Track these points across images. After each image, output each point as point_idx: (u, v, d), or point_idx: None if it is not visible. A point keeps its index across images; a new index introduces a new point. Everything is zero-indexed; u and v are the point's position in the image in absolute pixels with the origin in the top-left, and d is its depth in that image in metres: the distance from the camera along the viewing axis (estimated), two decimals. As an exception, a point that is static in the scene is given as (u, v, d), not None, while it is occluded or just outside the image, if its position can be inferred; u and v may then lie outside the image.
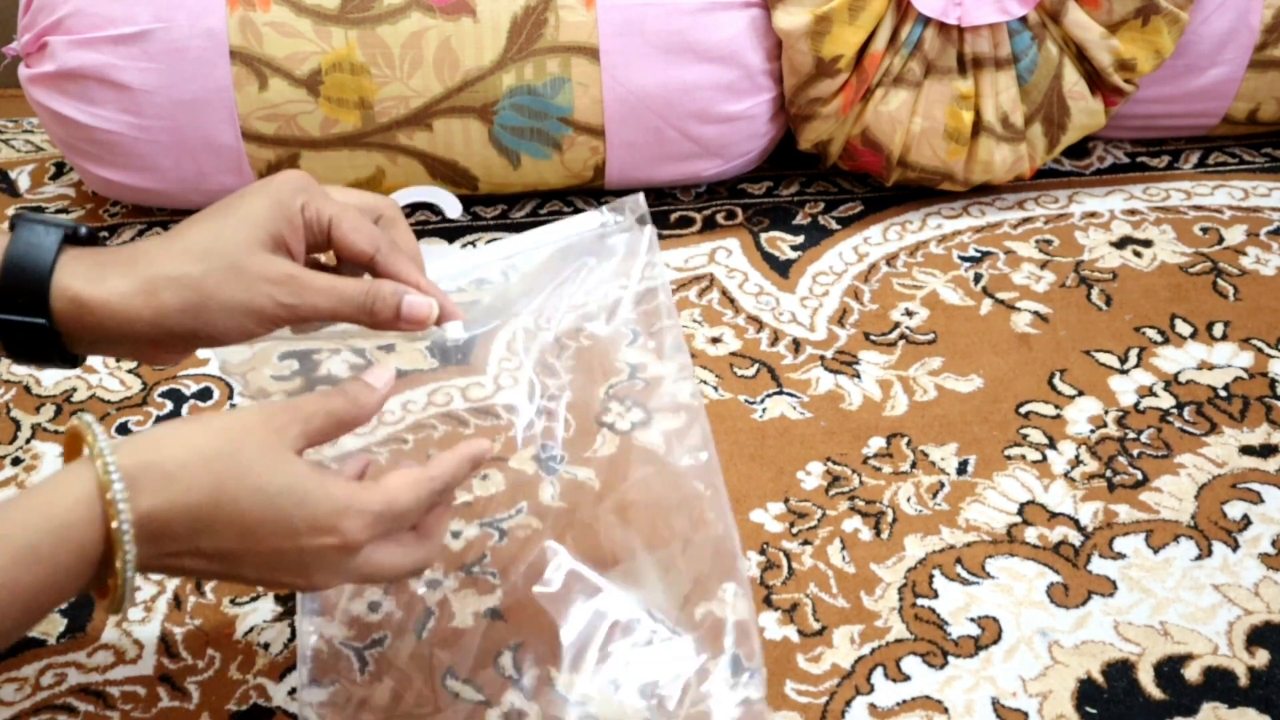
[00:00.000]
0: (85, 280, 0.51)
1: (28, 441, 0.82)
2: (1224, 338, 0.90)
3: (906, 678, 0.65)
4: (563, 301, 0.61)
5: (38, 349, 0.52)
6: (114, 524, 0.44)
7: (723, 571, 0.63)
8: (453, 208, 0.64)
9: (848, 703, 0.63)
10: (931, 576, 0.71)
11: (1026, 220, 1.04)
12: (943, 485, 0.77)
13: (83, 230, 0.54)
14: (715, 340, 0.90)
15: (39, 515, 0.43)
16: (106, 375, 0.87)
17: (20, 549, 0.42)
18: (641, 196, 0.63)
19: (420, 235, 1.03)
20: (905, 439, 0.81)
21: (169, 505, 0.45)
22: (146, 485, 0.44)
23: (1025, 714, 0.63)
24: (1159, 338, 0.90)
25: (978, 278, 0.97)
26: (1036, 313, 0.93)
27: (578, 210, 1.07)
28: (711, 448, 0.63)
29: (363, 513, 0.49)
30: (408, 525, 0.52)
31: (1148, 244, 1.01)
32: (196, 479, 0.45)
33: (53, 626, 0.68)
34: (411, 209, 1.07)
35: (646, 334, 0.63)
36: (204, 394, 0.86)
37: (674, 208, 1.07)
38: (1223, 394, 0.84)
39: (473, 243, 1.03)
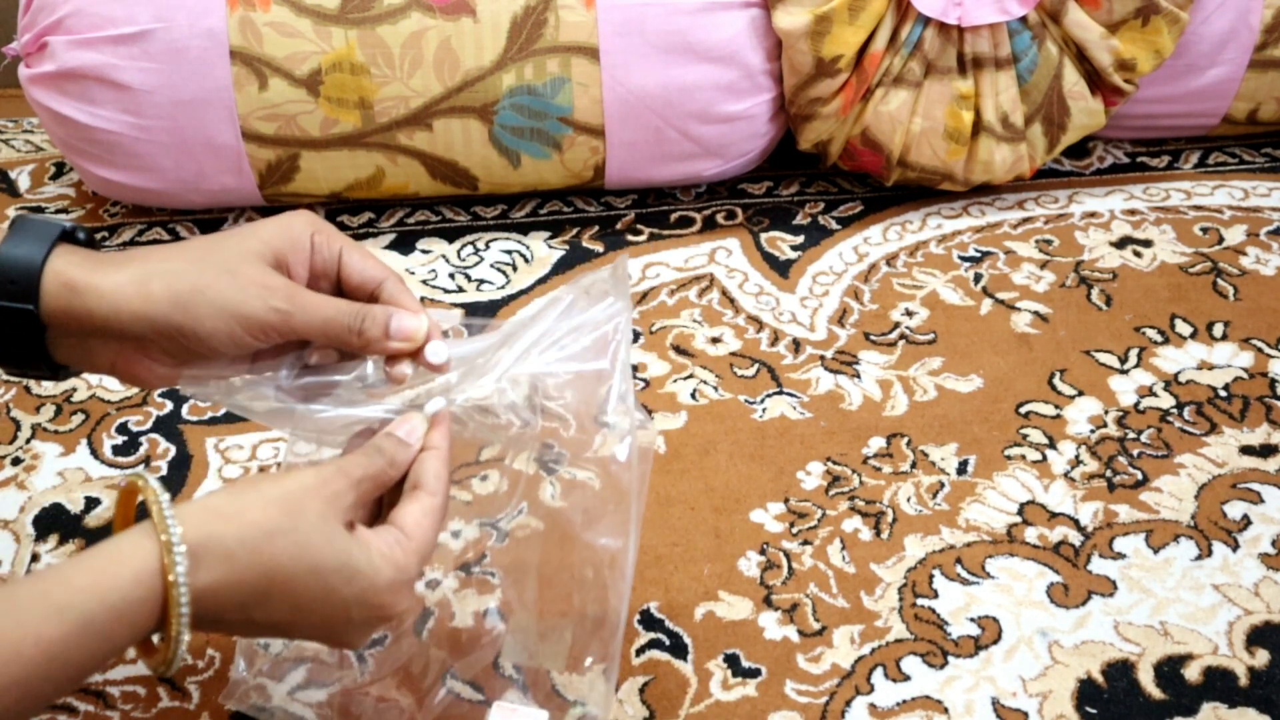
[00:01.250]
0: (79, 267, 0.51)
1: (28, 441, 0.82)
2: (1224, 338, 0.90)
3: (906, 678, 0.65)
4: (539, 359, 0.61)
5: (22, 345, 0.52)
6: (173, 609, 0.44)
7: (598, 646, 0.62)
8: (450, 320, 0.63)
9: (848, 703, 0.63)
10: (931, 576, 0.71)
11: (1026, 220, 1.04)
12: (943, 485, 0.77)
13: (81, 234, 0.54)
14: (715, 340, 0.90)
15: (98, 589, 0.43)
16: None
17: (76, 623, 0.42)
18: (625, 265, 0.62)
19: (419, 235, 1.03)
20: (905, 439, 0.81)
21: (226, 583, 0.46)
22: (206, 562, 0.45)
23: (1025, 714, 0.63)
24: (1159, 338, 0.90)
25: (978, 278, 0.97)
26: (1036, 313, 0.93)
27: (578, 210, 1.07)
28: (633, 534, 0.60)
29: (406, 582, 0.50)
30: None
31: (1148, 244, 1.01)
32: (255, 557, 0.46)
33: (53, 626, 0.68)
34: (411, 208, 1.07)
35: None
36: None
37: (674, 208, 1.07)
38: (1223, 394, 0.84)
39: (472, 243, 1.03)
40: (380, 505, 0.55)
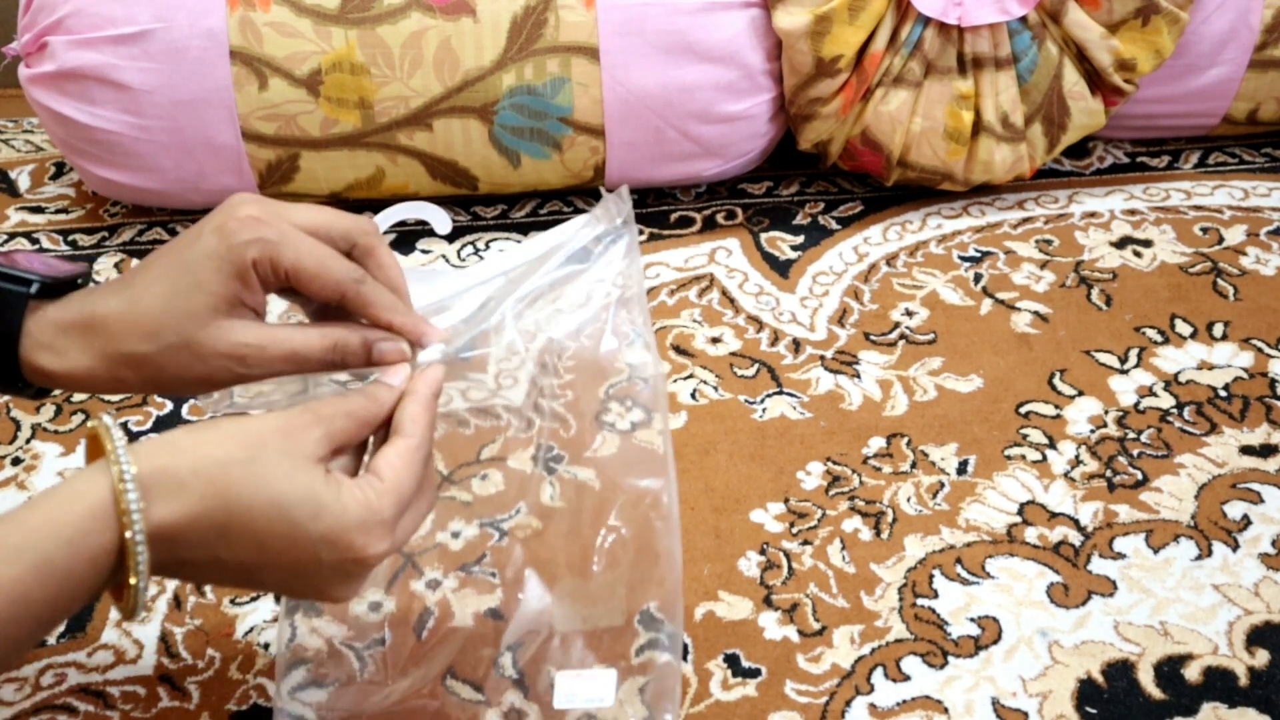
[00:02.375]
0: (49, 354, 0.52)
1: (28, 441, 0.82)
2: (1224, 338, 0.90)
3: (906, 678, 0.65)
4: (548, 308, 0.61)
5: (11, 389, 0.54)
6: (127, 534, 0.43)
7: (657, 590, 0.62)
8: (442, 224, 0.63)
9: (848, 703, 0.63)
10: (931, 576, 0.71)
11: (1026, 220, 1.04)
12: (943, 485, 0.77)
13: (46, 281, 0.53)
14: (715, 340, 0.90)
15: (52, 526, 0.43)
16: (106, 375, 0.87)
17: (34, 562, 0.42)
18: (626, 192, 0.62)
19: (419, 235, 1.03)
20: (905, 439, 0.81)
21: (182, 513, 0.45)
22: (160, 493, 0.44)
23: (1025, 714, 0.63)
24: (1159, 338, 0.90)
25: (978, 278, 0.97)
26: (1036, 313, 0.93)
27: (578, 210, 1.07)
28: (670, 472, 0.60)
29: (379, 523, 0.48)
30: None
31: (1148, 244, 1.01)
32: (210, 487, 0.45)
33: (53, 626, 0.68)
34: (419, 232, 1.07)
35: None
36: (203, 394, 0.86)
37: (674, 208, 1.07)
38: (1223, 394, 0.84)
39: (472, 243, 1.03)
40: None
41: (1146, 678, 0.65)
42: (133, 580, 0.44)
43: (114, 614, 0.69)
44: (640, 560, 0.61)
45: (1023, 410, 0.83)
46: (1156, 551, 0.72)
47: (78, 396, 0.85)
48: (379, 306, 0.54)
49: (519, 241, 1.03)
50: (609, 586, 0.62)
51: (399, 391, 0.53)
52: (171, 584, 0.71)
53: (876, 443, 0.81)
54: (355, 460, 0.52)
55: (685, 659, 0.66)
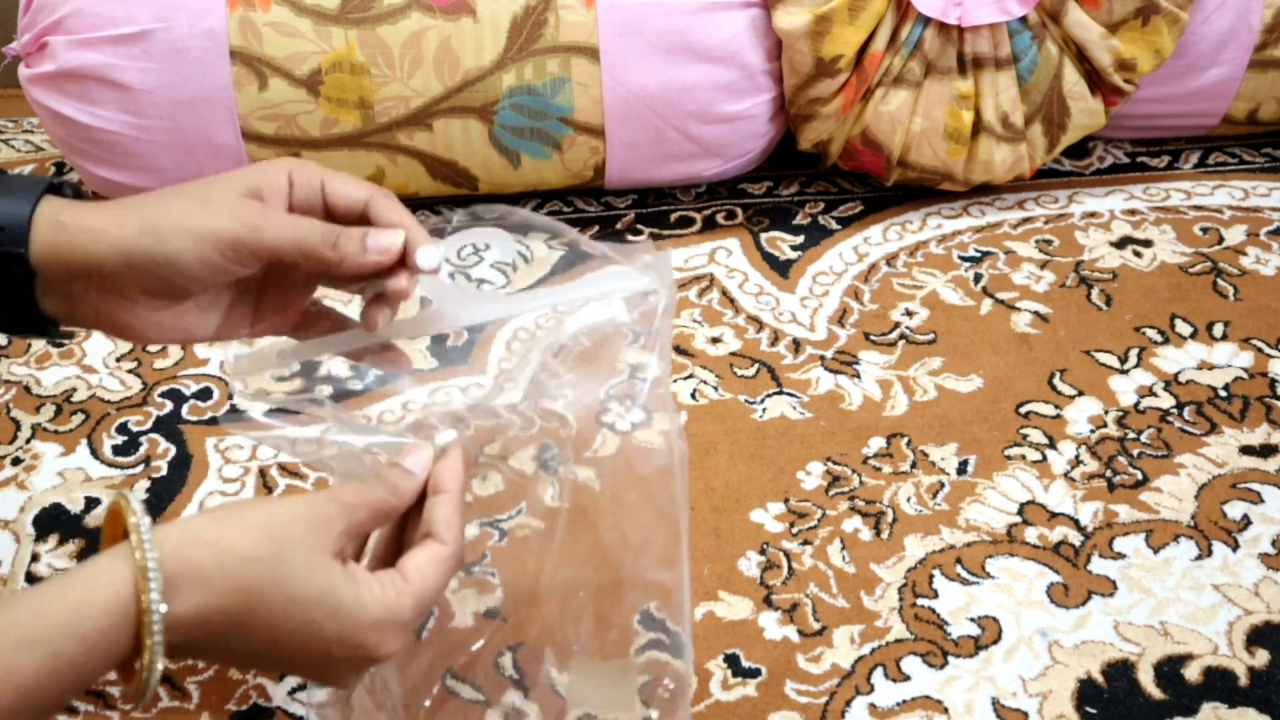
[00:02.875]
0: (66, 209, 0.52)
1: (28, 441, 0.82)
2: (1224, 338, 0.90)
3: (906, 678, 0.65)
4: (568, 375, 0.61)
5: (12, 296, 0.52)
6: (146, 637, 0.43)
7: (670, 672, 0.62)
8: (505, 249, 0.61)
9: (848, 703, 0.63)
10: (931, 576, 0.71)
11: (1026, 220, 1.04)
12: (943, 485, 0.77)
13: (67, 189, 0.54)
14: (715, 340, 0.90)
15: (72, 622, 0.42)
16: (106, 375, 0.87)
17: (49, 654, 0.41)
18: (669, 256, 0.61)
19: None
20: (905, 439, 0.81)
21: (203, 609, 0.44)
22: (183, 587, 0.44)
23: (1025, 714, 0.63)
24: (1159, 338, 0.90)
25: (978, 278, 0.97)
26: (1036, 313, 0.93)
27: (578, 210, 1.07)
28: (684, 567, 0.60)
29: (396, 624, 0.48)
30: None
31: (1148, 244, 1.01)
32: (233, 584, 0.45)
33: (53, 626, 0.68)
34: (411, 208, 1.07)
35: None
36: (204, 394, 0.86)
37: (674, 208, 1.07)
38: (1223, 394, 0.84)
39: (472, 243, 1.03)
40: (398, 550, 0.53)
41: (1146, 678, 0.65)
42: (144, 675, 0.44)
43: (114, 614, 0.69)
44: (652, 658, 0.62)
45: (1023, 410, 0.83)
46: (1156, 551, 0.72)
47: (78, 396, 0.85)
48: (399, 220, 0.55)
49: (520, 241, 1.03)
50: (619, 670, 0.62)
51: (419, 479, 0.53)
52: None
53: (876, 443, 0.81)
54: (361, 545, 0.53)
55: (685, 659, 0.66)
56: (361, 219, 0.55)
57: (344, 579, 0.47)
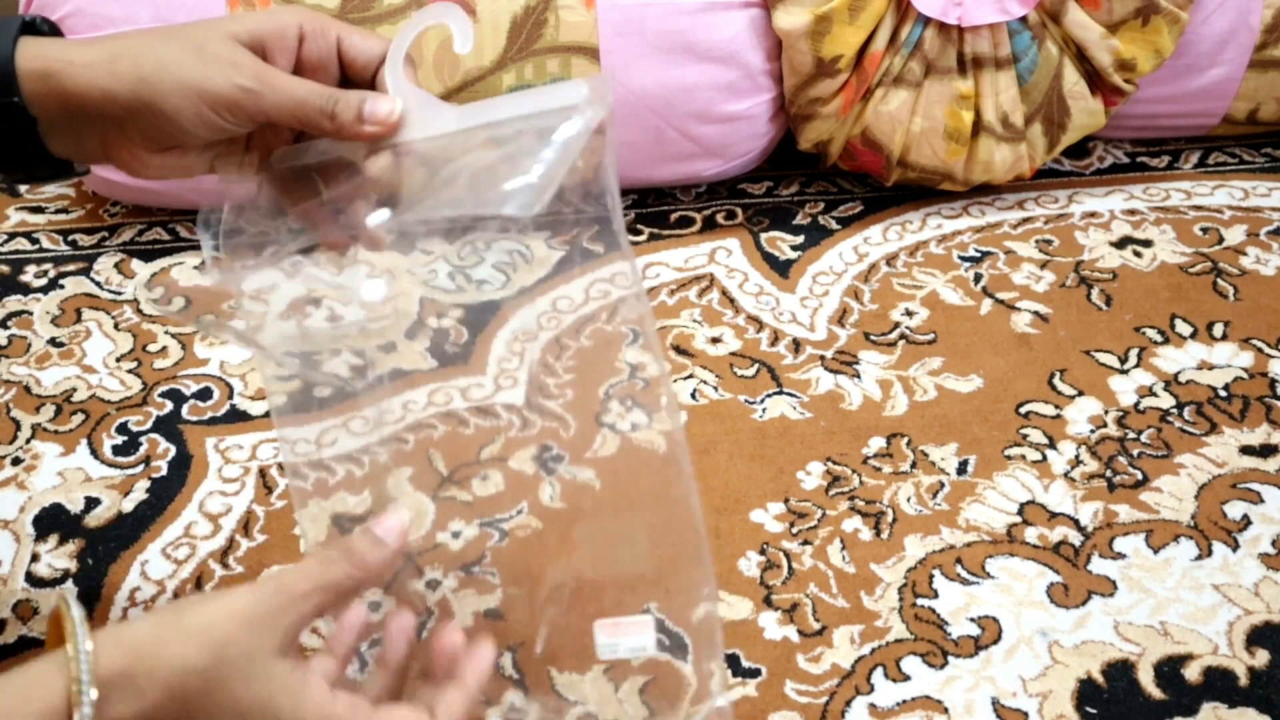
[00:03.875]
0: (50, 49, 0.50)
1: (28, 441, 0.82)
2: (1224, 338, 0.90)
3: (906, 678, 0.65)
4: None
5: (17, 143, 0.51)
6: None
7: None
8: (465, 37, 0.57)
9: (848, 703, 0.63)
10: (931, 576, 0.71)
11: (1026, 220, 1.04)
12: (943, 485, 0.77)
13: (41, 22, 0.52)
14: (715, 340, 0.90)
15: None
16: (106, 375, 0.87)
17: None
18: (608, 82, 0.56)
19: (419, 235, 1.03)
20: (905, 439, 0.81)
21: (135, 713, 0.43)
22: (116, 699, 0.43)
23: (1025, 714, 0.63)
24: (1159, 338, 0.90)
25: (978, 278, 0.97)
26: (1036, 313, 0.93)
27: (578, 210, 1.07)
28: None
29: None
30: None
31: (1148, 244, 1.01)
32: (167, 695, 0.43)
33: (53, 626, 0.68)
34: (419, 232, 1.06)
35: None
36: (204, 394, 0.86)
37: (674, 208, 1.07)
38: (1223, 394, 0.84)
39: (472, 243, 1.03)
40: (403, 678, 0.51)
41: (1146, 678, 0.65)
42: None
43: (114, 614, 0.69)
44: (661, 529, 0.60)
45: (1023, 410, 0.83)
46: (1156, 551, 0.72)
47: (78, 396, 0.85)
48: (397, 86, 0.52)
49: (520, 241, 1.03)
50: (629, 530, 0.60)
51: (391, 549, 0.49)
52: (172, 584, 0.71)
53: (876, 443, 0.81)
54: (395, 682, 0.51)
55: (685, 659, 0.66)
56: (376, 80, 0.53)
57: (284, 687, 0.45)
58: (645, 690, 0.64)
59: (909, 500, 0.76)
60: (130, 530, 0.75)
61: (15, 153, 0.51)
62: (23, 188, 1.11)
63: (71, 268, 0.99)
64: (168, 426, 0.83)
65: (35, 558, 0.73)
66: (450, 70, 0.95)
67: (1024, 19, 0.97)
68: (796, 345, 0.90)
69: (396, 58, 0.53)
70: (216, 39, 0.50)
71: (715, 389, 0.86)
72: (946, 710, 0.63)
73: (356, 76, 0.54)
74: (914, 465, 0.79)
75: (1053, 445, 0.80)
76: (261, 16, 0.52)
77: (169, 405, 0.85)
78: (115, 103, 0.50)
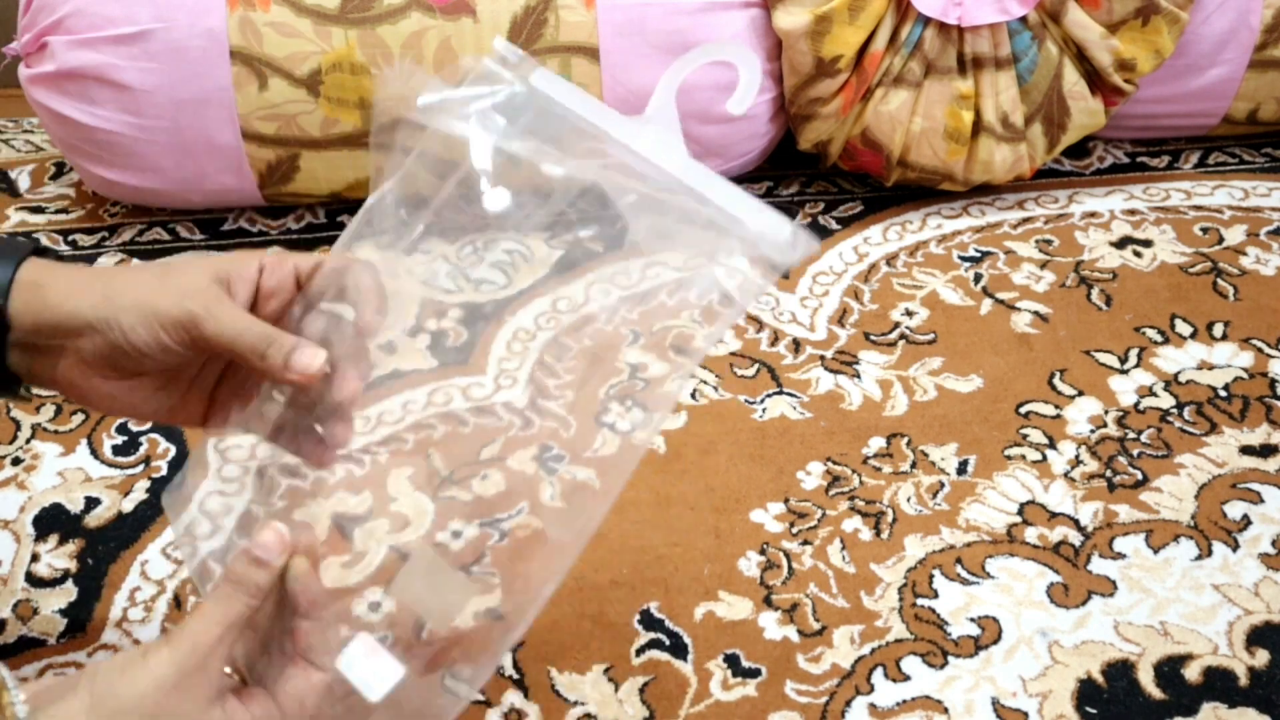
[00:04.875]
0: (48, 270, 0.53)
1: (28, 441, 0.82)
2: (1224, 338, 0.90)
3: (906, 678, 0.65)
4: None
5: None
6: None
7: None
8: (747, 92, 0.56)
9: (848, 703, 0.63)
10: (931, 576, 0.71)
11: (1026, 220, 1.04)
12: (943, 485, 0.77)
13: (51, 254, 0.55)
14: (715, 340, 0.90)
15: None
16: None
17: None
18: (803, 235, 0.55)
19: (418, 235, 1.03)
20: (905, 439, 0.81)
21: None
22: None
23: (1025, 714, 0.63)
24: (1159, 338, 0.90)
25: (978, 278, 0.97)
26: (1036, 313, 0.93)
27: (578, 209, 1.07)
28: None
29: None
30: None
31: (1148, 244, 1.01)
32: None
33: (53, 626, 0.68)
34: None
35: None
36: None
37: (674, 208, 1.06)
38: (1223, 394, 0.84)
39: (472, 243, 1.03)
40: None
41: (1146, 678, 0.65)
42: None
43: (114, 614, 0.69)
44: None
45: (1023, 410, 0.83)
46: (1156, 551, 0.72)
47: (78, 396, 0.85)
48: (361, 311, 0.55)
49: (520, 241, 1.03)
50: (462, 585, 0.60)
51: (276, 566, 0.50)
52: (171, 584, 0.71)
53: (876, 443, 0.81)
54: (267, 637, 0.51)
55: (685, 659, 0.66)
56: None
57: None
58: (645, 690, 0.64)
59: (909, 500, 0.76)
60: (130, 530, 0.75)
61: None
62: (23, 187, 1.12)
63: (71, 268, 0.99)
64: (168, 426, 0.83)
65: (35, 558, 0.73)
66: (450, 71, 0.95)
67: (1024, 19, 0.97)
68: (796, 345, 0.90)
69: (672, 84, 0.54)
70: (190, 272, 0.53)
71: (715, 389, 0.85)
72: (946, 710, 0.63)
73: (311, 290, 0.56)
74: (914, 465, 0.79)
75: (1053, 445, 0.80)
76: (225, 258, 0.55)
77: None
78: (78, 320, 0.52)
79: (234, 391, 0.58)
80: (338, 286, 0.56)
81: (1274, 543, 0.72)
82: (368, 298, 0.55)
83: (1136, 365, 0.87)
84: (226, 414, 0.58)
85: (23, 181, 1.13)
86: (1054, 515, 0.75)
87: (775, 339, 0.90)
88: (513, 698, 0.63)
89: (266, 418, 0.57)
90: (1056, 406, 0.83)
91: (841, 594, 0.70)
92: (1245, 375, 0.86)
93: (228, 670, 0.50)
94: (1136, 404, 0.84)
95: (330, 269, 0.55)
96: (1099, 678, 0.65)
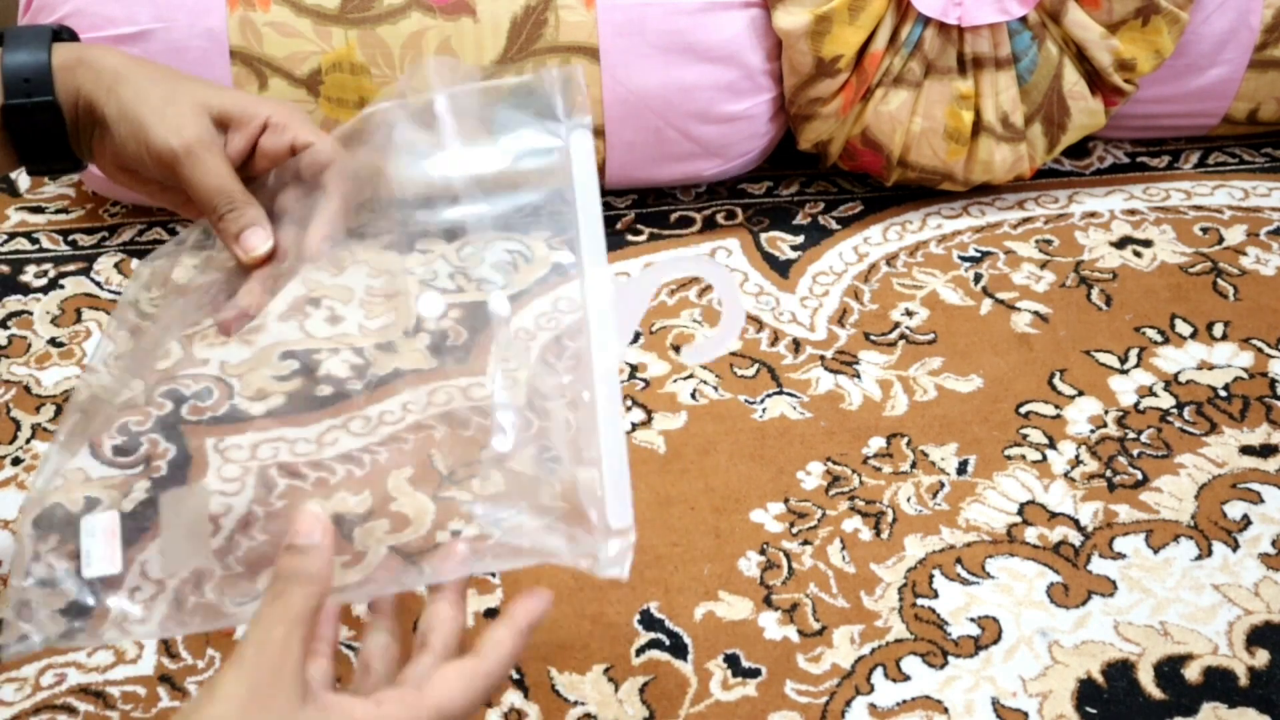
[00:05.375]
0: (75, 51, 0.56)
1: (28, 441, 0.82)
2: (1224, 338, 0.90)
3: (906, 678, 0.65)
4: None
5: (46, 139, 0.56)
6: None
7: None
8: (727, 331, 0.55)
9: (848, 703, 0.63)
10: (931, 576, 0.71)
11: (1026, 220, 1.04)
12: (943, 485, 0.77)
13: (65, 34, 0.59)
14: (715, 340, 0.90)
15: None
16: (105, 374, 0.87)
17: None
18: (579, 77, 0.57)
19: (419, 235, 1.03)
20: (905, 439, 0.81)
21: None
22: None
23: (1025, 714, 0.63)
24: (1159, 338, 0.90)
25: (978, 278, 0.97)
26: (1036, 313, 0.93)
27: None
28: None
29: None
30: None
31: (1148, 244, 1.01)
32: None
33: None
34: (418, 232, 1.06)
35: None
36: (204, 394, 0.86)
37: (674, 208, 1.07)
38: (1223, 394, 0.84)
39: (472, 243, 1.02)
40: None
41: (1146, 678, 0.65)
42: None
43: (114, 613, 0.69)
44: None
45: (1023, 410, 0.83)
46: (1156, 551, 0.72)
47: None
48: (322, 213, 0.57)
49: (520, 241, 1.03)
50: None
51: (325, 550, 0.47)
52: (171, 584, 0.71)
53: (876, 443, 0.81)
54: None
55: (685, 659, 0.66)
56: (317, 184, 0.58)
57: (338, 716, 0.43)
58: (645, 690, 0.64)
59: (909, 500, 0.76)
60: (130, 531, 0.75)
61: (41, 147, 0.57)
62: (23, 187, 1.11)
63: (71, 268, 0.99)
64: (168, 426, 0.83)
65: (35, 557, 0.73)
66: (450, 70, 0.95)
67: (1024, 19, 0.97)
68: (796, 345, 0.90)
69: (652, 284, 0.55)
70: (189, 100, 0.55)
71: (715, 389, 0.85)
72: (946, 710, 0.63)
73: (303, 173, 0.58)
74: (914, 465, 0.79)
75: (1053, 445, 0.80)
76: (238, 97, 0.57)
77: (169, 405, 0.85)
78: (96, 112, 0.56)
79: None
80: (313, 179, 0.57)
81: (1274, 543, 0.72)
82: (324, 219, 0.56)
83: (1136, 365, 0.87)
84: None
85: (23, 181, 1.13)
86: (1054, 515, 0.75)
87: (775, 339, 0.90)
88: (513, 697, 0.63)
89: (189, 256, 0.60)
90: (1056, 406, 0.83)
91: (841, 594, 0.70)
92: (1245, 375, 0.86)
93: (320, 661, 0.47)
94: (1136, 404, 0.84)
95: (315, 159, 0.56)
96: (1099, 678, 0.65)
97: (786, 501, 0.76)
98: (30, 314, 0.93)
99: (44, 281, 0.97)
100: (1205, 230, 1.02)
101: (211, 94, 0.56)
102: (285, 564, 0.47)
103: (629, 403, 0.83)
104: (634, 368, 0.87)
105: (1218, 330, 0.90)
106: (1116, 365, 0.87)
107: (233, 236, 0.55)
